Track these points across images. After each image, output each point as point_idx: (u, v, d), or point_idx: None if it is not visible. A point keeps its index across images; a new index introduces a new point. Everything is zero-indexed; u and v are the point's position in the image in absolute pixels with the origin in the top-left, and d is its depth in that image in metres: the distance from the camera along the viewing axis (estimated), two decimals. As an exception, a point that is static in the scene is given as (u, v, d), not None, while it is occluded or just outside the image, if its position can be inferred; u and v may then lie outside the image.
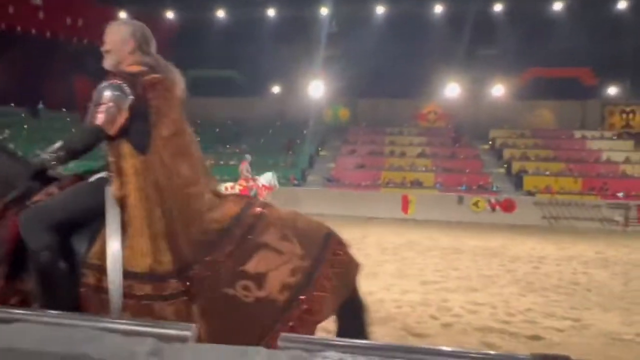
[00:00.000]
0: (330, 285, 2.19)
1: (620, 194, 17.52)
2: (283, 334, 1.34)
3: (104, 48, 2.37)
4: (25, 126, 22.23)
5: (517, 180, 19.56)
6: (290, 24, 23.27)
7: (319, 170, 21.08)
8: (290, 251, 2.19)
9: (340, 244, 2.32)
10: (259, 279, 2.12)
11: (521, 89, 24.32)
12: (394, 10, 23.18)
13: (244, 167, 13.27)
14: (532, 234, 13.06)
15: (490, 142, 23.20)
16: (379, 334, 4.27)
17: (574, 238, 12.46)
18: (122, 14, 19.95)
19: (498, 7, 23.16)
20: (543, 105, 24.80)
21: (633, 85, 23.70)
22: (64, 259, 2.14)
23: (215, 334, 1.99)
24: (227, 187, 11.89)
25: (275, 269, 2.14)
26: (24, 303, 2.16)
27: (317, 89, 25.05)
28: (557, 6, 22.88)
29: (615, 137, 22.81)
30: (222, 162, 19.17)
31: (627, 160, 20.20)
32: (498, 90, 24.76)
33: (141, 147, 2.19)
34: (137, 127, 2.20)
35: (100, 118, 2.16)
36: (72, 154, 2.22)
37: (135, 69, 2.30)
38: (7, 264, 2.17)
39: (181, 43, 23.18)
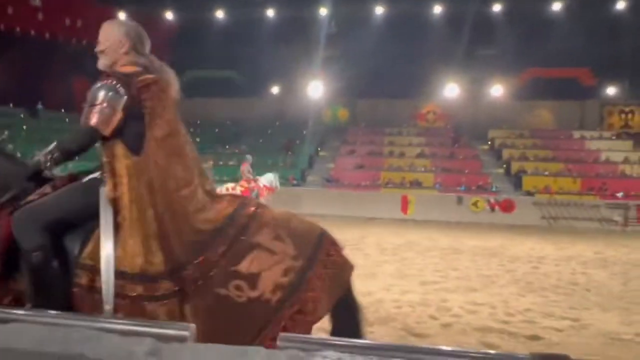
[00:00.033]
0: (323, 285, 2.19)
1: (619, 194, 17.54)
2: (282, 334, 1.34)
3: (98, 48, 2.36)
4: (24, 127, 22.20)
5: (516, 181, 19.58)
6: (289, 24, 23.27)
7: (318, 170, 21.08)
8: (283, 251, 2.19)
9: (334, 245, 2.31)
10: (252, 279, 2.12)
11: (520, 89, 24.34)
12: (393, 10, 23.19)
13: (245, 168, 13.25)
14: (531, 234, 13.06)
15: (489, 143, 23.22)
16: (379, 334, 4.27)
17: (573, 238, 12.46)
18: (122, 15, 19.95)
19: (497, 8, 23.17)
20: (542, 106, 24.81)
21: (632, 85, 23.72)
22: (57, 259, 2.14)
23: (208, 334, 1.99)
24: (228, 188, 11.86)
25: (268, 269, 2.14)
26: (17, 303, 2.16)
27: (316, 89, 25.05)
28: (556, 6, 22.90)
29: (614, 137, 22.84)
30: (221, 163, 19.17)
31: (626, 160, 20.22)
32: (497, 90, 24.77)
33: (135, 148, 2.19)
34: (132, 128, 2.20)
35: (94, 119, 2.16)
36: (66, 154, 2.22)
37: (129, 69, 2.29)
38: (0, 264, 2.16)
39: (181, 43, 23.20)
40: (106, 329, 1.22)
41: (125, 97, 2.18)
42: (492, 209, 16.32)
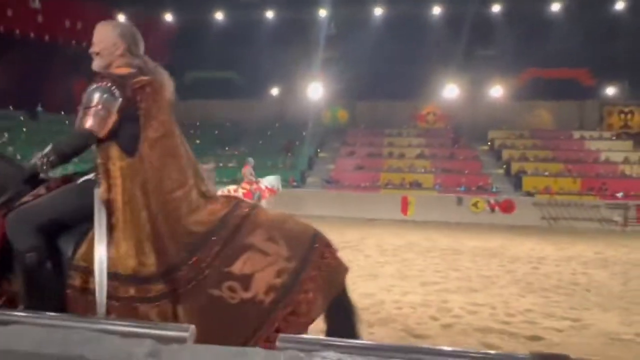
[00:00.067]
0: (316, 287, 2.19)
1: (619, 194, 17.52)
2: (282, 335, 1.34)
3: (93, 50, 2.35)
4: (24, 129, 22.24)
5: (516, 181, 19.57)
6: (289, 26, 23.28)
7: (318, 171, 21.07)
8: (276, 253, 2.19)
9: (328, 247, 2.31)
10: (245, 280, 2.12)
11: (520, 90, 24.34)
12: (392, 11, 23.19)
13: (247, 170, 13.25)
14: (532, 234, 13.06)
15: (489, 143, 23.21)
16: (380, 335, 4.27)
17: (573, 238, 12.45)
18: (121, 17, 19.96)
19: (496, 8, 23.17)
20: (541, 106, 24.82)
21: (631, 85, 23.72)
22: (51, 261, 2.14)
23: (201, 336, 2.00)
24: (230, 190, 11.85)
25: (261, 270, 2.14)
26: (10, 304, 2.16)
27: (315, 90, 25.05)
28: (555, 7, 22.90)
29: (613, 138, 22.83)
30: (221, 164, 19.17)
31: (625, 161, 20.22)
32: (496, 91, 24.78)
33: (129, 150, 2.19)
34: (126, 130, 2.20)
35: (89, 121, 2.15)
36: (62, 157, 2.21)
37: (124, 71, 2.29)
38: None
39: (180, 45, 23.23)
40: (106, 330, 1.22)
41: (120, 99, 2.18)
42: (492, 210, 16.31)
